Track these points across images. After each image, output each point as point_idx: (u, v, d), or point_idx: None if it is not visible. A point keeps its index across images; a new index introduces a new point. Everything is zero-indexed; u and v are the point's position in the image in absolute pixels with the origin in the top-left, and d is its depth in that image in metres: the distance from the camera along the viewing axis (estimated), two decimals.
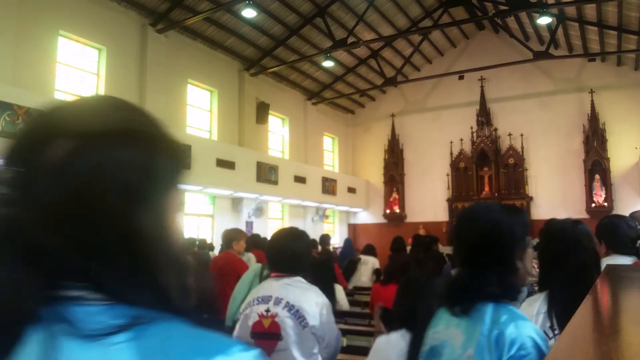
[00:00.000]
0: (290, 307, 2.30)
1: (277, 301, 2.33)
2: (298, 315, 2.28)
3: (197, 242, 9.99)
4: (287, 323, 2.28)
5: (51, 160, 0.60)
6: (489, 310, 1.35)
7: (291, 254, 2.45)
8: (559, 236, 1.87)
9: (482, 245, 1.42)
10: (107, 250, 0.60)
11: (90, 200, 0.59)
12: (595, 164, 15.30)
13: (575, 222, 1.91)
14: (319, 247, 9.82)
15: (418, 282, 2.43)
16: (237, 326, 2.42)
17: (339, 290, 5.69)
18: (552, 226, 1.95)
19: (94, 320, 0.56)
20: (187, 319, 0.60)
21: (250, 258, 6.67)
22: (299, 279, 2.44)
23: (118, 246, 0.60)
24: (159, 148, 0.65)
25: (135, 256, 0.60)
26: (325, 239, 10.24)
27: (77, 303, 0.58)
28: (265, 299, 2.37)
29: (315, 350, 2.33)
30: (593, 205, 15.14)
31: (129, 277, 0.60)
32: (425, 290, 2.34)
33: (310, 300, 2.34)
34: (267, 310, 2.32)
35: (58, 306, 0.57)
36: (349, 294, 6.72)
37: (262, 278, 3.92)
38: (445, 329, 1.48)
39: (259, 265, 4.17)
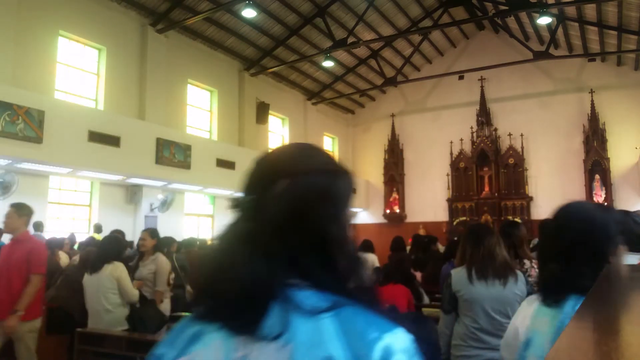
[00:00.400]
0: None
1: None
2: None
3: (197, 242, 9.98)
4: None
5: (275, 192, 0.89)
6: (575, 301, 1.47)
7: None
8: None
9: (580, 242, 1.54)
10: (311, 251, 0.86)
11: (300, 217, 0.87)
12: (595, 164, 15.30)
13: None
14: None
15: (405, 322, 2.44)
16: None
17: None
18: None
19: (308, 302, 0.81)
20: (363, 305, 0.84)
21: None
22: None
23: (318, 249, 0.86)
24: (340, 179, 0.94)
25: (329, 256, 0.87)
26: None
27: (296, 288, 0.83)
28: None
29: None
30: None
31: (325, 271, 0.85)
32: (412, 330, 2.35)
33: None
34: None
35: (285, 290, 0.83)
36: None
37: None
38: (536, 319, 1.62)
39: None
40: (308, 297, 0.82)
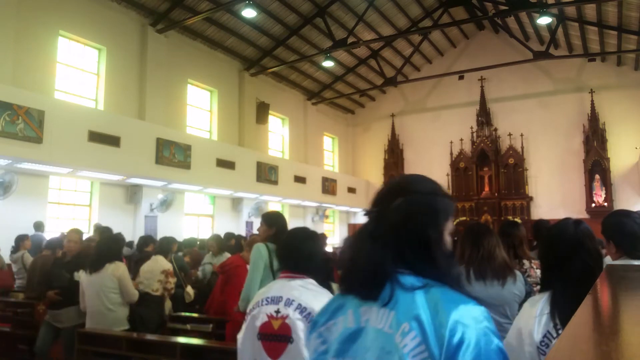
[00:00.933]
0: (302, 309, 2.21)
1: (289, 302, 2.24)
2: (310, 319, 2.16)
3: (197, 242, 9.97)
4: (299, 325, 2.18)
5: (394, 205, 1.21)
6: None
7: (307, 253, 2.38)
8: (561, 237, 1.86)
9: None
10: (414, 249, 1.18)
11: (409, 224, 1.20)
12: (595, 164, 15.30)
13: (577, 222, 1.90)
14: None
15: None
16: (244, 327, 2.33)
17: (336, 289, 5.69)
18: (554, 227, 1.94)
19: (408, 282, 1.15)
20: (449, 286, 1.14)
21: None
22: (311, 281, 2.35)
23: (420, 247, 1.18)
24: (441, 199, 1.24)
25: (427, 252, 1.18)
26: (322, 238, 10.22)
27: (402, 273, 1.17)
28: (275, 300, 2.27)
29: None
30: (593, 205, 15.14)
31: (424, 262, 1.17)
32: None
33: (322, 302, 2.23)
34: (277, 312, 2.23)
35: (395, 273, 1.17)
36: None
37: (271, 255, 3.82)
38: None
39: (262, 245, 3.97)
40: (408, 279, 1.15)
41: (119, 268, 4.62)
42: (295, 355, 2.17)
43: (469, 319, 1.05)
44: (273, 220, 4.22)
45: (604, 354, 0.52)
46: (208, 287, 6.62)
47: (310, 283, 2.34)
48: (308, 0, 13.18)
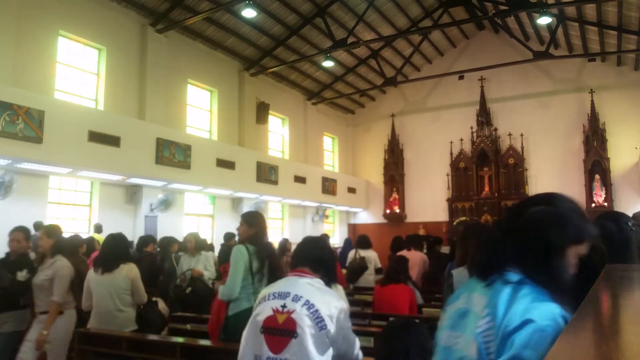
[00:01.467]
0: (310, 305, 2.22)
1: (296, 298, 2.25)
2: (317, 316, 2.20)
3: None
4: (305, 321, 2.19)
5: (531, 210, 1.37)
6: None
7: (320, 254, 2.48)
8: None
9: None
10: (534, 252, 1.29)
11: (537, 229, 1.32)
12: (595, 164, 15.30)
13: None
14: None
15: (394, 327, 2.42)
16: (249, 323, 2.35)
17: (339, 290, 5.68)
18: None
19: (507, 277, 1.28)
20: (541, 288, 1.23)
21: (208, 257, 6.67)
22: (319, 280, 2.39)
23: (539, 252, 1.28)
24: (570, 217, 1.35)
25: (545, 260, 1.28)
26: (324, 238, 10.17)
27: (508, 269, 1.30)
28: (282, 295, 2.29)
29: (327, 354, 2.23)
30: (593, 205, 15.13)
31: (538, 269, 1.27)
32: (402, 335, 2.34)
33: (330, 303, 2.27)
34: (284, 306, 2.24)
35: (503, 268, 1.31)
36: (349, 293, 6.70)
37: (251, 257, 3.87)
38: None
39: (242, 247, 3.94)
40: (509, 275, 1.29)
41: (133, 269, 4.60)
42: (297, 350, 2.17)
43: (536, 315, 1.16)
44: (254, 220, 4.15)
45: (604, 353, 0.51)
46: (193, 296, 6.14)
47: (317, 282, 2.37)
48: (308, 0, 13.18)
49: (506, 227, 1.40)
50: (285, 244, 9.33)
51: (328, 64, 14.98)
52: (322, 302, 2.24)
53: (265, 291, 2.41)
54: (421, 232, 16.11)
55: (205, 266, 6.47)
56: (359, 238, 9.00)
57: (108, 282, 4.46)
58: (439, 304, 6.17)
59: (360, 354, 2.46)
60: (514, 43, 15.67)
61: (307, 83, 17.06)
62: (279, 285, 2.38)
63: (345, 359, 2.35)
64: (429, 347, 2.40)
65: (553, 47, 14.57)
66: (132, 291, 4.56)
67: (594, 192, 15.25)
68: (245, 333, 2.34)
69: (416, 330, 2.39)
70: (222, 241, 9.93)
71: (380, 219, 18.80)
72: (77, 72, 10.58)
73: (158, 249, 7.96)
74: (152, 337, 4.30)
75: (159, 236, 9.53)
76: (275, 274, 3.94)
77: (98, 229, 9.59)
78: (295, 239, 12.09)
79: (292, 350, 2.17)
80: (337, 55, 15.29)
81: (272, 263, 4.02)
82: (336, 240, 18.42)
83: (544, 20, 12.35)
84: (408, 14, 15.31)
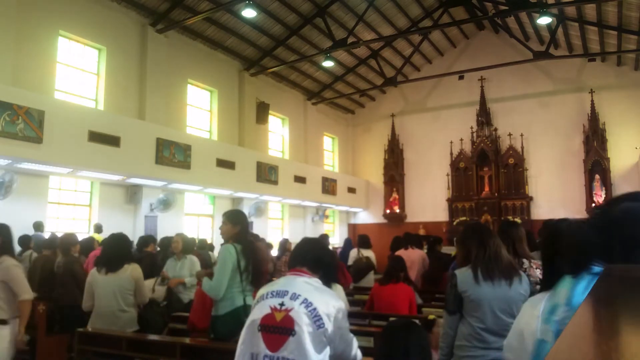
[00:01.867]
0: (308, 303, 2.23)
1: (295, 296, 2.26)
2: (315, 314, 2.21)
3: (197, 242, 9.98)
4: (303, 319, 2.20)
5: (622, 205, 1.35)
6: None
7: (319, 254, 2.50)
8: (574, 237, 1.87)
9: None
10: (624, 245, 1.26)
11: (628, 223, 1.30)
12: (595, 164, 15.31)
13: (584, 222, 1.91)
14: None
15: (395, 327, 2.42)
16: (247, 322, 2.37)
17: (339, 289, 5.68)
18: (563, 227, 1.94)
19: (592, 269, 1.34)
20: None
21: (194, 262, 6.48)
22: (317, 280, 2.41)
23: (630, 245, 1.26)
24: None
25: (635, 252, 1.25)
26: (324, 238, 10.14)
27: (595, 263, 1.33)
28: (280, 293, 2.30)
29: (325, 353, 2.24)
30: (593, 205, 15.12)
31: (615, 257, 1.27)
32: (402, 335, 2.34)
33: (328, 302, 2.28)
34: (282, 304, 2.26)
35: (591, 262, 1.36)
36: (349, 293, 6.70)
37: (239, 256, 3.93)
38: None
39: (230, 246, 3.99)
40: (595, 267, 1.34)
41: (137, 269, 4.60)
42: (295, 348, 2.17)
43: None
44: (237, 219, 4.19)
45: (604, 353, 0.52)
46: (170, 309, 5.68)
47: (316, 281, 2.39)
48: (308, 0, 13.18)
49: (595, 222, 1.44)
50: (285, 244, 9.33)
51: (328, 64, 14.98)
52: (320, 300, 2.25)
53: (263, 290, 2.43)
54: (421, 232, 16.11)
55: (190, 271, 6.29)
56: (360, 238, 9.02)
57: (113, 283, 4.46)
58: (439, 304, 6.17)
59: (359, 354, 2.47)
60: (514, 43, 15.68)
61: (307, 83, 17.07)
62: (278, 284, 2.39)
63: (342, 359, 2.36)
64: (428, 347, 2.40)
65: (553, 47, 14.57)
66: (135, 291, 4.56)
67: (594, 192, 15.25)
68: (242, 332, 2.35)
69: (416, 331, 2.39)
70: (222, 241, 9.93)
71: (380, 219, 18.81)
72: (77, 72, 10.58)
73: (158, 249, 7.97)
74: (152, 337, 4.30)
75: (159, 236, 9.54)
76: (258, 272, 4.07)
77: (98, 229, 9.60)
78: (295, 239, 12.11)
79: (290, 348, 2.17)
80: (337, 55, 15.29)
81: (255, 261, 4.07)
82: (336, 240, 18.42)
83: (544, 20, 12.35)
84: (408, 14, 15.31)
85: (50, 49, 9.85)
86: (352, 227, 19.44)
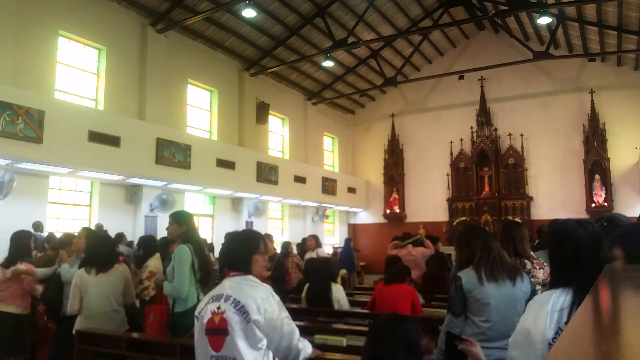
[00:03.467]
0: (236, 303, 2.41)
1: (227, 298, 2.45)
2: (243, 311, 2.39)
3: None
4: (233, 318, 2.38)
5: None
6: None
7: (244, 253, 2.61)
8: (588, 234, 1.87)
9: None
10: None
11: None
12: (595, 164, 15.31)
13: (591, 222, 1.92)
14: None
15: (381, 327, 2.41)
16: (197, 325, 2.53)
17: (338, 289, 5.68)
18: (570, 224, 1.94)
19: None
20: None
21: None
22: (251, 277, 2.56)
23: None
24: None
25: None
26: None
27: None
28: (218, 297, 2.49)
29: (261, 345, 2.40)
30: (593, 205, 15.14)
31: None
32: (388, 335, 2.33)
33: (255, 296, 2.44)
34: (219, 308, 2.44)
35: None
36: (348, 294, 6.71)
37: (192, 256, 4.13)
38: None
39: (185, 246, 4.16)
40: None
41: (126, 269, 4.59)
42: (231, 346, 2.37)
43: None
44: (183, 219, 4.41)
45: (604, 353, 0.52)
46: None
47: (248, 279, 2.55)
48: (308, 0, 13.18)
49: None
50: (287, 246, 9.28)
51: (328, 64, 14.98)
52: (248, 296, 2.43)
53: (207, 296, 2.61)
54: (421, 231, 16.06)
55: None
56: (316, 238, 9.31)
57: (105, 283, 4.43)
58: (440, 304, 6.15)
59: (303, 345, 2.61)
60: (514, 43, 15.68)
61: (307, 83, 17.07)
62: (217, 289, 2.59)
63: (284, 351, 2.53)
64: (417, 342, 2.38)
65: (553, 47, 14.58)
66: (125, 291, 4.54)
67: (594, 192, 15.26)
68: (195, 336, 2.55)
69: (403, 327, 2.35)
70: (222, 241, 9.92)
71: (381, 219, 18.81)
72: (77, 72, 10.58)
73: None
74: (152, 337, 4.30)
75: (159, 236, 9.53)
76: (208, 271, 4.28)
77: (99, 229, 9.59)
78: (295, 239, 12.12)
79: (227, 346, 2.39)
80: (337, 55, 15.29)
81: (205, 261, 4.27)
82: (336, 240, 18.43)
83: (544, 20, 12.35)
84: (408, 14, 15.32)
85: (50, 48, 9.84)
86: (352, 227, 19.45)
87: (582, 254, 1.80)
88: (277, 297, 2.54)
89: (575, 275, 1.76)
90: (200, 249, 4.26)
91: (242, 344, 2.35)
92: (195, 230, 4.44)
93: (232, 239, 2.74)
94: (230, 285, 2.52)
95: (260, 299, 2.44)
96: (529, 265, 3.61)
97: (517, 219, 16.01)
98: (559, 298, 1.75)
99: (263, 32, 13.73)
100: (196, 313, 2.58)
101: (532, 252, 3.84)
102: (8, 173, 8.36)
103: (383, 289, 5.42)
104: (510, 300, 2.99)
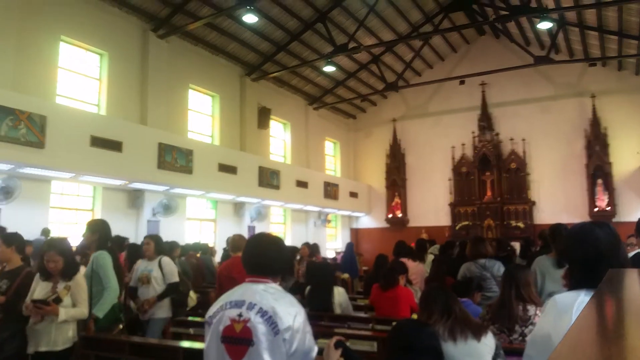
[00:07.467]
0: (263, 312, 2.26)
1: (251, 306, 2.29)
2: (271, 322, 2.23)
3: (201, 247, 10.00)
4: (260, 329, 2.23)
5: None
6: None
7: (270, 259, 2.44)
8: (607, 234, 1.89)
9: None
10: None
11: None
12: (598, 169, 15.30)
13: (606, 223, 1.94)
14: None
15: (405, 334, 2.37)
16: (209, 331, 2.38)
17: (340, 293, 5.67)
18: (587, 226, 1.96)
19: None
20: None
21: (168, 264, 5.95)
22: (274, 285, 2.41)
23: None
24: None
25: None
26: (315, 247, 10.03)
27: None
28: (238, 304, 2.33)
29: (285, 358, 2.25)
30: (596, 209, 15.12)
31: None
32: (413, 342, 2.31)
33: (283, 307, 2.29)
34: (240, 315, 2.29)
35: None
36: (351, 298, 6.69)
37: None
38: None
39: (105, 252, 4.60)
40: None
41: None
42: (256, 357, 2.22)
43: None
44: (96, 227, 4.76)
45: (607, 358, 0.52)
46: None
47: (272, 287, 2.39)
48: (309, 5, 13.22)
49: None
50: (294, 251, 9.14)
51: (329, 69, 15.00)
52: (276, 306, 2.27)
53: (223, 299, 2.44)
54: (424, 236, 16.09)
55: (160, 270, 5.84)
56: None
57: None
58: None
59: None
60: (514, 48, 15.71)
61: (309, 88, 17.10)
62: (236, 293, 2.40)
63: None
64: (441, 349, 2.37)
65: (554, 52, 14.59)
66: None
67: (596, 197, 15.24)
68: (206, 343, 2.39)
69: (427, 332, 2.35)
70: (224, 245, 9.93)
71: (383, 224, 18.79)
72: (79, 77, 10.61)
73: None
74: (155, 341, 4.30)
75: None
76: (120, 275, 4.77)
77: None
78: (297, 244, 12.06)
79: (251, 358, 2.22)
80: (338, 60, 15.31)
81: (118, 264, 4.72)
82: (339, 244, 18.40)
83: (544, 25, 12.37)
84: (409, 19, 15.35)
85: (51, 54, 9.88)
86: (355, 232, 19.43)
87: (604, 254, 1.80)
88: (303, 309, 2.39)
89: (599, 276, 1.76)
90: (114, 255, 4.73)
91: (267, 357, 2.20)
92: (106, 238, 4.77)
93: (258, 245, 2.54)
94: (253, 291, 2.35)
95: (289, 310, 2.29)
96: (531, 311, 3.45)
97: (520, 224, 16.03)
98: (585, 300, 1.74)
99: (264, 38, 13.77)
100: (206, 318, 2.43)
101: (536, 294, 3.65)
102: (12, 179, 8.38)
103: (380, 295, 5.40)
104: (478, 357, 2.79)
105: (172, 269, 5.74)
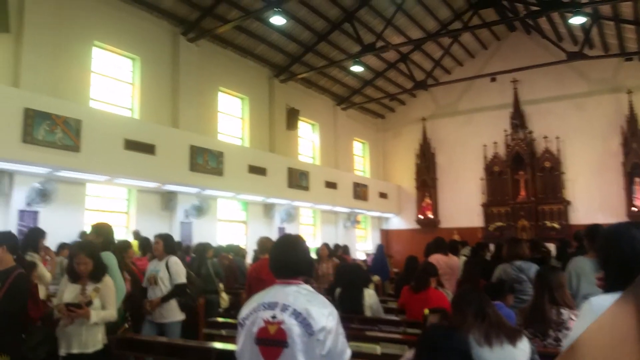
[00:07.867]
0: (297, 314, 2.28)
1: (284, 308, 2.31)
2: (305, 323, 2.25)
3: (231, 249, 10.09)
4: (294, 331, 2.25)
5: None
6: None
7: (294, 260, 2.47)
8: (638, 236, 1.85)
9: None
10: None
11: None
12: (635, 167, 14.84)
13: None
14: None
15: (436, 339, 2.36)
16: (243, 332, 2.41)
17: (370, 295, 5.63)
18: (628, 227, 1.92)
19: None
20: None
21: (176, 263, 5.73)
22: (306, 286, 2.43)
23: None
24: None
25: None
26: (345, 249, 10.09)
27: None
28: (271, 305, 2.35)
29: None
30: (633, 209, 14.67)
31: None
32: (444, 347, 2.29)
33: (317, 307, 2.31)
34: (274, 317, 2.31)
35: None
36: (381, 301, 6.63)
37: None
38: None
39: (109, 252, 4.70)
40: None
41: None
42: (290, 359, 2.24)
43: None
44: (102, 230, 4.96)
45: None
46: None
47: (304, 288, 2.41)
48: (336, 5, 13.23)
49: None
50: (321, 252, 9.17)
51: (357, 68, 14.97)
52: (309, 308, 2.29)
53: (256, 300, 2.46)
54: (455, 237, 15.88)
55: (169, 270, 5.66)
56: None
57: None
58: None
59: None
60: (546, 44, 15.37)
61: (337, 88, 17.10)
62: (269, 295, 2.43)
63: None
64: (469, 354, 2.35)
65: (587, 47, 14.23)
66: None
67: (634, 196, 14.80)
68: (240, 344, 2.42)
69: (458, 337, 2.34)
70: (255, 247, 9.99)
71: (413, 225, 18.64)
72: (112, 81, 10.86)
73: (194, 255, 8.11)
74: (188, 342, 4.37)
75: (194, 242, 9.69)
76: (135, 278, 5.26)
77: (136, 235, 9.78)
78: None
79: (285, 359, 2.25)
80: (366, 60, 15.28)
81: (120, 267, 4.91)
82: (369, 246, 18.34)
83: (577, 20, 12.06)
84: (437, 17, 15.20)
85: (85, 59, 10.13)
86: (385, 233, 19.34)
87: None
88: (336, 310, 2.39)
89: (636, 277, 1.73)
90: (118, 257, 4.93)
91: (301, 358, 2.22)
92: (109, 241, 4.94)
93: (285, 246, 2.56)
94: (286, 293, 2.37)
95: (322, 311, 2.30)
96: (565, 314, 3.37)
97: (555, 224, 15.68)
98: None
99: (292, 39, 13.84)
100: (239, 319, 2.46)
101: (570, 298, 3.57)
102: (50, 183, 8.62)
103: (411, 297, 5.30)
104: None
105: (178, 270, 5.53)
